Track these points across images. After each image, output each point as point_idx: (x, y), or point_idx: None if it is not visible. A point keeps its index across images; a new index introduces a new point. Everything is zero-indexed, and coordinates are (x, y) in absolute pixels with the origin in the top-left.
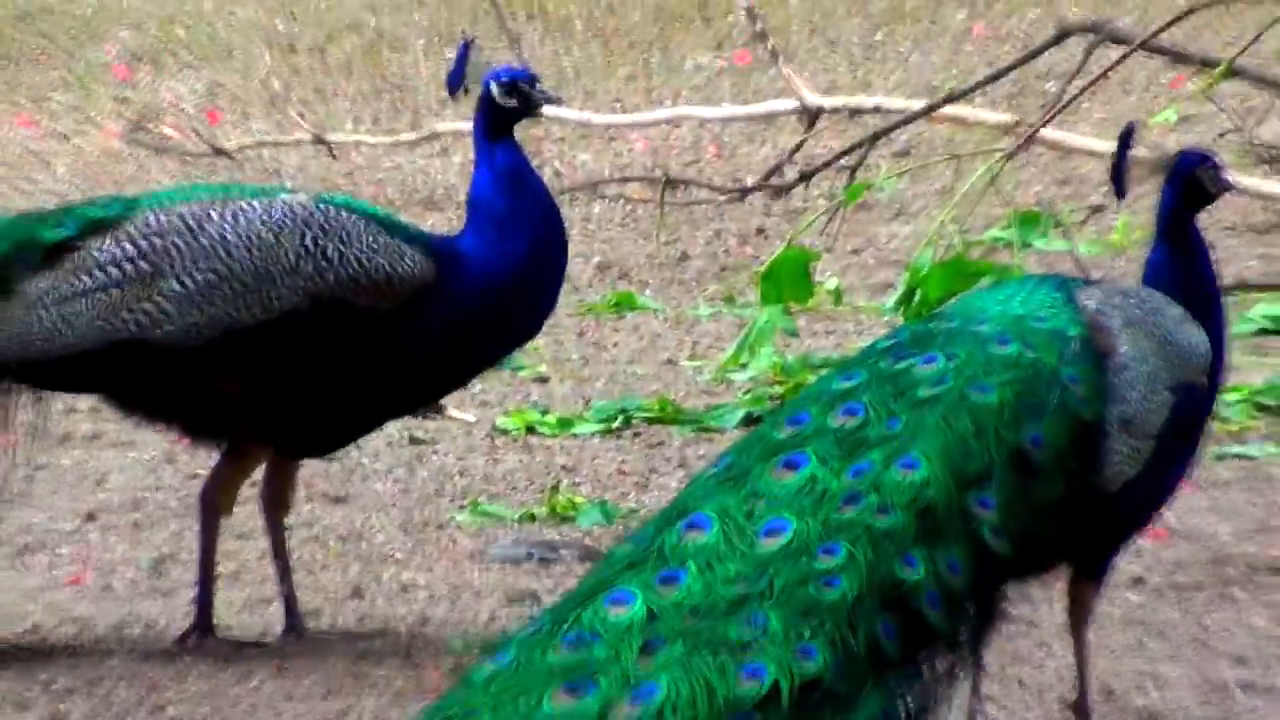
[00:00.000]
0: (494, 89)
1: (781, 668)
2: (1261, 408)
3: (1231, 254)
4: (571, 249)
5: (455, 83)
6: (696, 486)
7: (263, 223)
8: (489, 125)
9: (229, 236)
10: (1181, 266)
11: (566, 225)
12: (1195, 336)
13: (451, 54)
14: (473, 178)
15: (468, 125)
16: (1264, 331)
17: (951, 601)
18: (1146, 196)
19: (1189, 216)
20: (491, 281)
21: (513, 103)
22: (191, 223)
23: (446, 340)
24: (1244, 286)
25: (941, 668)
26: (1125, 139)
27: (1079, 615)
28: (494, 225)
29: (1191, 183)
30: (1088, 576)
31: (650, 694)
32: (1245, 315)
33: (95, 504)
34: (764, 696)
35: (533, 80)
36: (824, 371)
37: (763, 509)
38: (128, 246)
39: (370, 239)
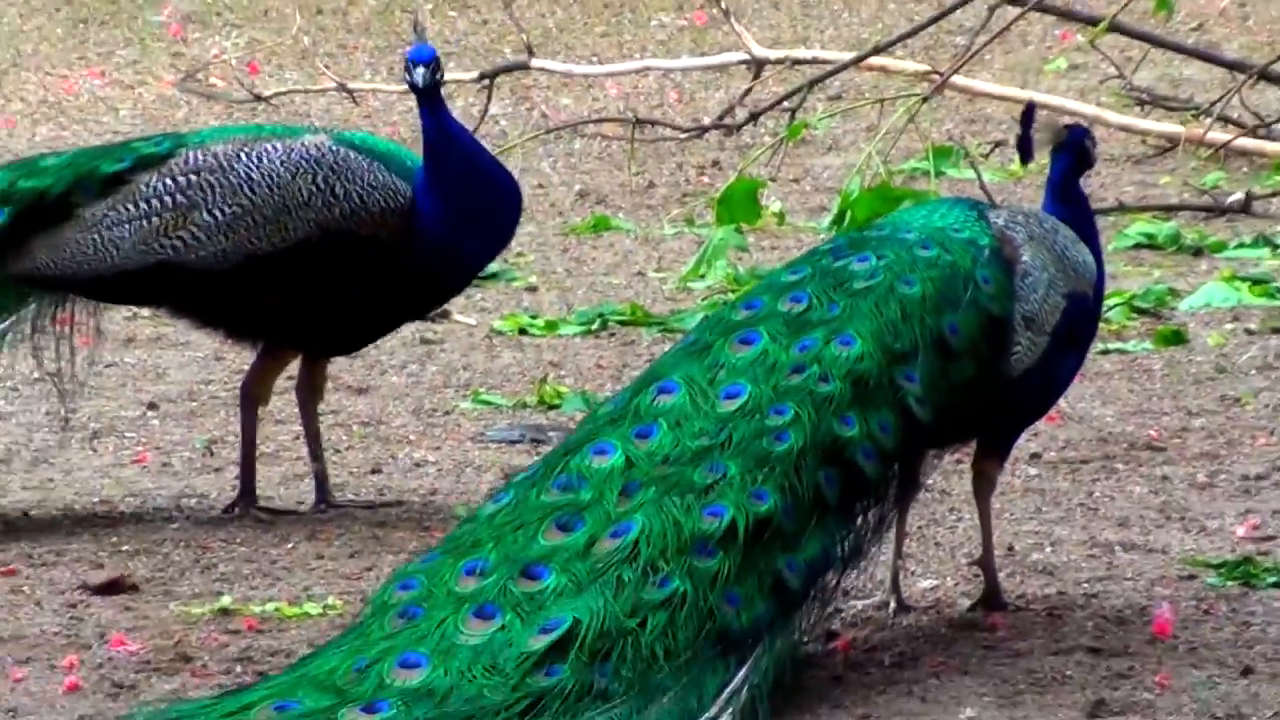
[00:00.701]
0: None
1: (738, 508)
2: (1138, 310)
3: (1114, 180)
4: (555, 179)
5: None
6: (667, 358)
7: (282, 163)
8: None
9: (253, 175)
10: (1071, 216)
11: (551, 160)
12: (1085, 255)
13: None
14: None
15: (466, 76)
16: (1139, 245)
17: (882, 457)
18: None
19: (1075, 178)
20: (436, 225)
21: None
22: (223, 161)
23: (429, 261)
24: (1122, 208)
25: (872, 519)
26: (1027, 116)
27: (983, 486)
28: (434, 175)
29: (1080, 151)
30: (992, 453)
31: (628, 530)
32: (1123, 232)
33: (156, 395)
34: (723, 532)
35: (420, 60)
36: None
37: (723, 376)
38: (169, 181)
39: (371, 178)
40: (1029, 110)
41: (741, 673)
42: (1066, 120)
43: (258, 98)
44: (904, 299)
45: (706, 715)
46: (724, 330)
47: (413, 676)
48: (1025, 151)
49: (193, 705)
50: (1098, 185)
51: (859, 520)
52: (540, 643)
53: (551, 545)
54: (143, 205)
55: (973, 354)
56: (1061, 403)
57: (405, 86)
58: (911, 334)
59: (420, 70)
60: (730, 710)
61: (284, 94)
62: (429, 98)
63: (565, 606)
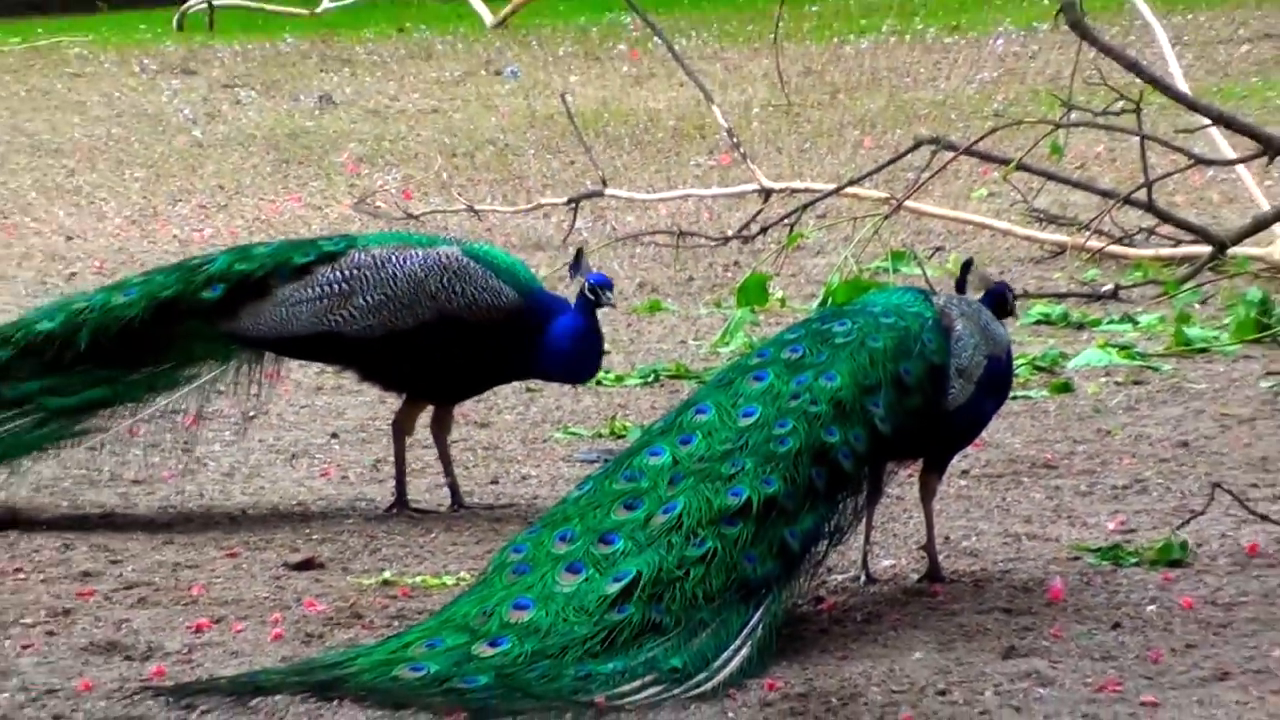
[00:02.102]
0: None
1: (753, 490)
2: (1037, 367)
3: (1020, 275)
4: (621, 274)
5: (574, 272)
6: (701, 390)
7: (419, 265)
8: (583, 299)
9: (398, 272)
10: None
11: (619, 260)
12: (1000, 331)
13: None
14: (573, 319)
15: (558, 200)
16: (1038, 321)
17: (857, 459)
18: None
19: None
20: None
21: (593, 297)
22: (378, 260)
23: (529, 356)
24: (1026, 295)
25: (850, 507)
26: (964, 269)
27: (927, 493)
28: (562, 341)
29: (1000, 298)
30: (934, 469)
31: (674, 507)
32: (1027, 312)
33: (337, 427)
34: (742, 507)
35: (607, 286)
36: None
37: (742, 402)
38: (339, 273)
39: (483, 282)
40: (967, 264)
41: (758, 614)
42: (994, 275)
43: (410, 216)
44: (871, 350)
45: (733, 645)
46: (742, 371)
47: (523, 616)
48: (960, 291)
49: (366, 647)
50: (1010, 278)
51: (840, 505)
52: (614, 588)
53: (620, 519)
54: (318, 289)
55: (920, 391)
56: (983, 434)
57: (515, 209)
58: (877, 374)
59: (609, 294)
60: (750, 643)
61: (429, 213)
62: (596, 306)
63: (631, 562)
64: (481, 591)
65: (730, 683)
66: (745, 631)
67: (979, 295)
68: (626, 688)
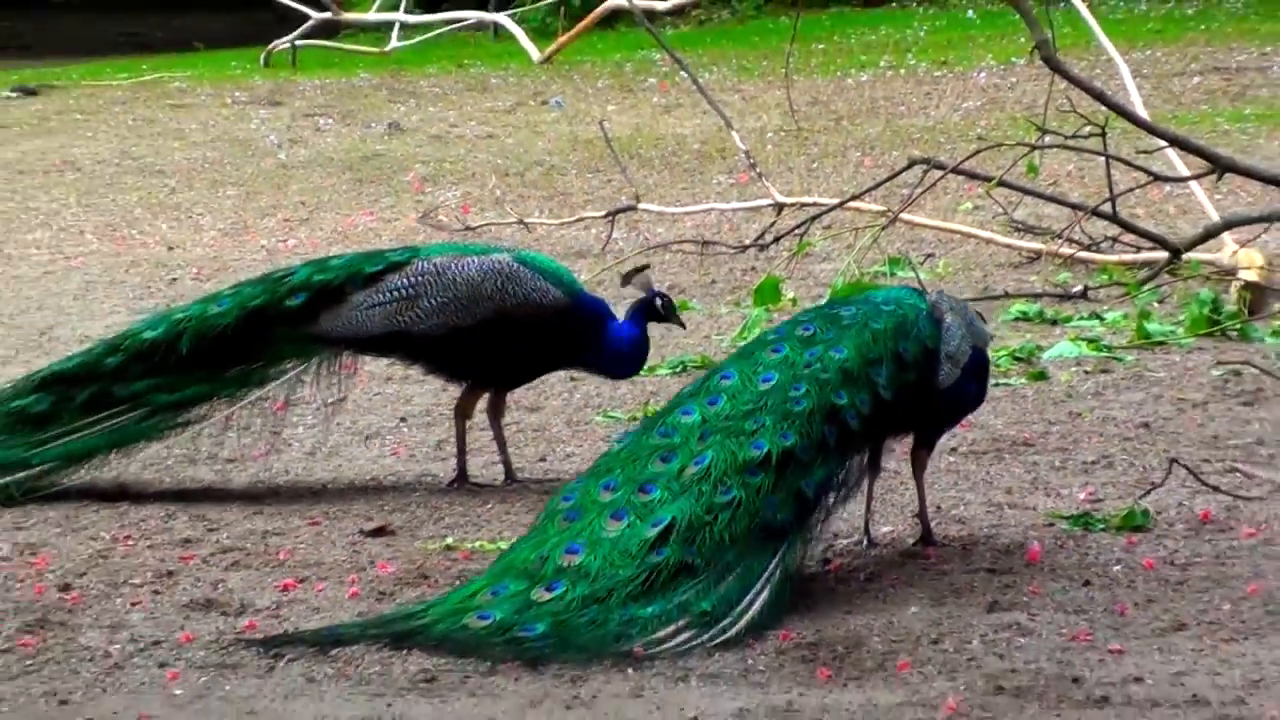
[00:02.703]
0: (657, 301)
1: (773, 444)
2: (1016, 358)
3: (1002, 278)
4: (653, 279)
5: (627, 282)
6: (726, 361)
7: (476, 271)
8: (644, 312)
9: (458, 278)
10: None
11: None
12: (982, 329)
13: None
14: (627, 328)
15: (597, 214)
16: (1018, 318)
17: (862, 420)
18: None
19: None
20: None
21: (664, 313)
22: (440, 268)
23: (577, 349)
24: (1007, 295)
25: (856, 466)
26: (634, 272)
27: (918, 466)
28: (624, 346)
29: (650, 305)
30: (924, 444)
31: (704, 460)
32: (1007, 310)
33: (405, 412)
34: (763, 459)
35: (668, 301)
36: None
37: (761, 369)
38: (405, 280)
39: (532, 284)
40: (639, 270)
41: (776, 558)
42: (654, 283)
43: (468, 228)
44: (874, 330)
45: (754, 589)
46: (761, 345)
47: (574, 560)
48: (624, 286)
49: (438, 598)
50: (993, 281)
51: (848, 462)
52: (653, 532)
53: (657, 470)
54: (388, 294)
55: (915, 367)
56: (970, 417)
57: (560, 222)
58: (879, 350)
59: (677, 314)
60: (768, 587)
61: (484, 225)
62: (661, 321)
63: (667, 509)
64: (537, 537)
65: (751, 626)
66: (765, 576)
67: (641, 294)
68: (662, 633)
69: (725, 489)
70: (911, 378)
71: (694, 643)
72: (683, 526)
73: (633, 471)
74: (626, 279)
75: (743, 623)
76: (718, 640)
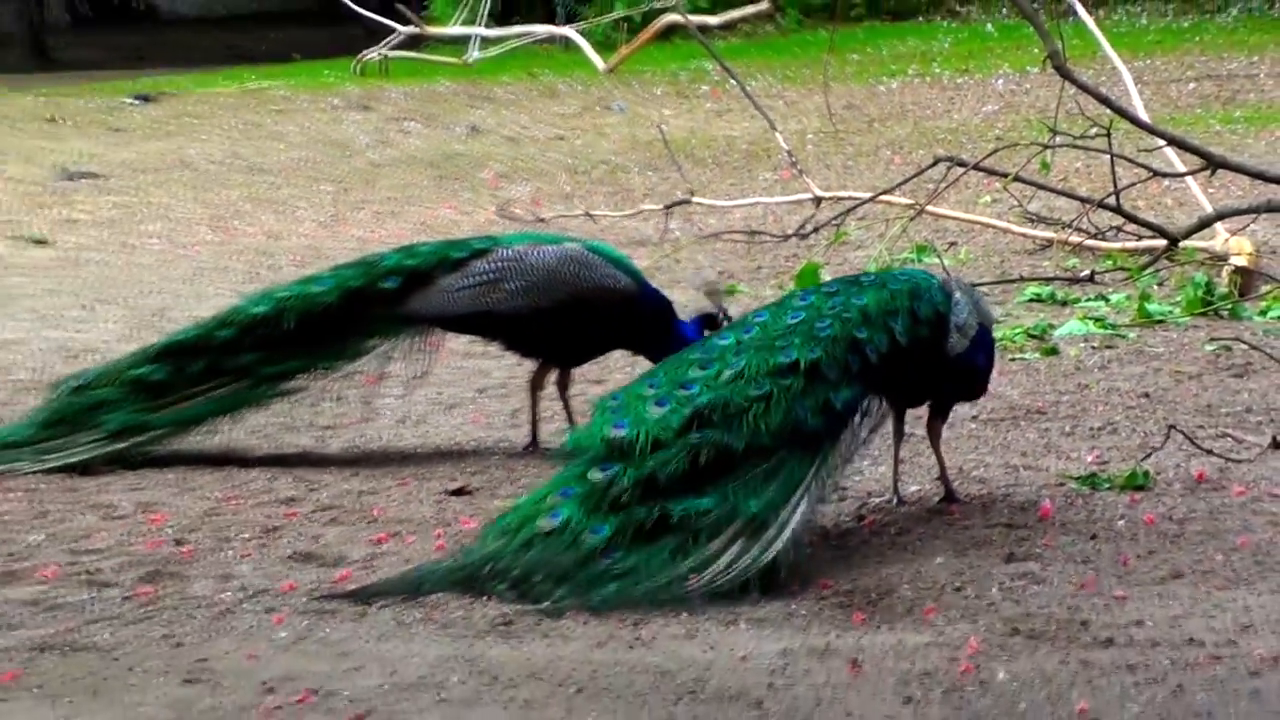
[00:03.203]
0: (720, 317)
1: (800, 354)
2: (1030, 335)
3: (1018, 264)
4: (705, 263)
5: (701, 290)
6: (760, 308)
7: (553, 257)
8: (707, 322)
9: (535, 264)
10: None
11: (704, 254)
12: (987, 309)
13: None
14: (691, 330)
15: (656, 207)
16: (1031, 300)
17: (880, 357)
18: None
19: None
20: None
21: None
22: (519, 254)
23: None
24: (1022, 279)
25: (876, 407)
26: (704, 284)
27: (934, 434)
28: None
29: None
30: (938, 414)
31: (738, 364)
32: (1022, 292)
33: (484, 384)
34: (792, 364)
35: (727, 316)
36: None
37: (789, 311)
38: (488, 265)
39: (603, 270)
40: (708, 285)
41: (813, 469)
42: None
43: (539, 219)
44: (892, 289)
45: (794, 498)
46: (790, 298)
47: (620, 433)
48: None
49: (507, 514)
50: (1009, 266)
51: (868, 401)
52: (690, 411)
53: (696, 374)
54: (473, 278)
55: (928, 324)
56: (990, 388)
57: (622, 214)
58: (895, 304)
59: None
60: (808, 497)
61: (555, 217)
62: (707, 329)
63: (704, 396)
64: (586, 429)
65: (794, 540)
66: (804, 485)
67: (710, 307)
68: (717, 543)
69: (759, 385)
70: (924, 333)
71: (745, 558)
72: (719, 408)
73: (674, 375)
74: (703, 289)
75: (786, 534)
76: (765, 555)
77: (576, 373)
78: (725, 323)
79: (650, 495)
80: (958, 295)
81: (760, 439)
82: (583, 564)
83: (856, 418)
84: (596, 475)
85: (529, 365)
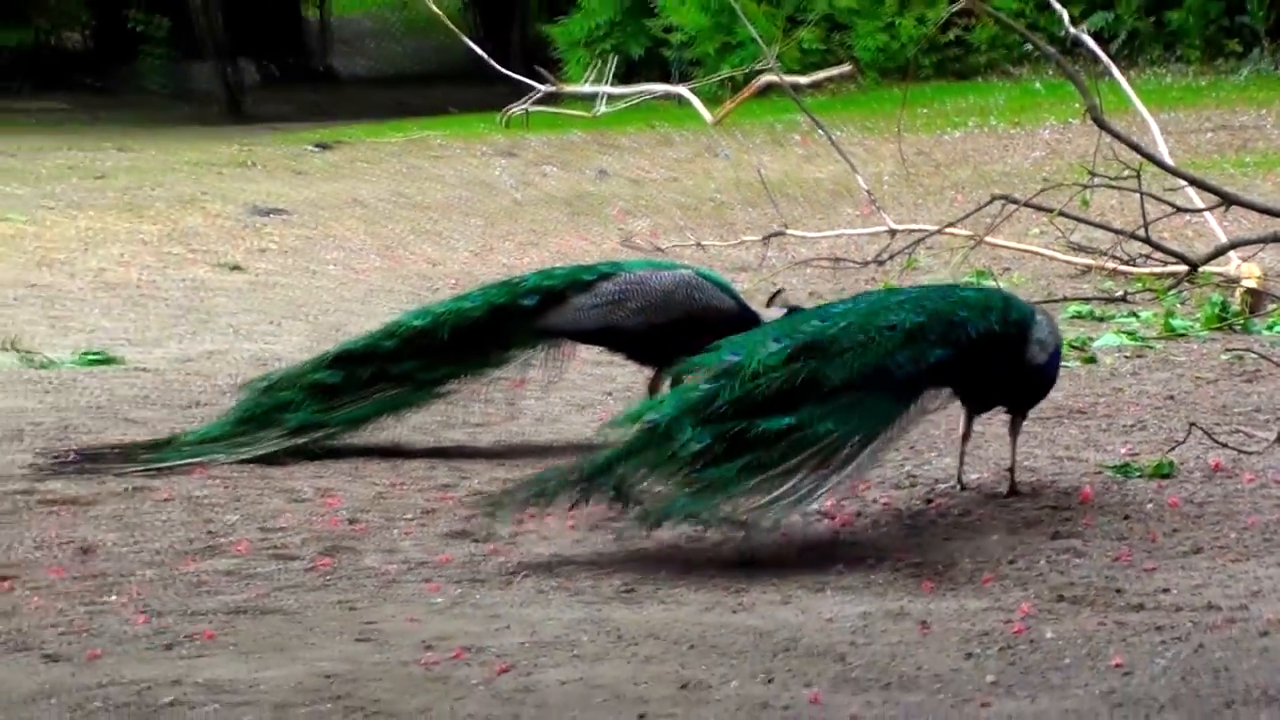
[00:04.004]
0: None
1: (903, 319)
2: (1072, 347)
3: (1061, 286)
4: (798, 287)
5: (771, 303)
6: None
7: (670, 280)
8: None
9: (654, 286)
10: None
11: (796, 278)
12: (1059, 333)
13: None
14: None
15: (755, 238)
16: (1074, 316)
17: (974, 340)
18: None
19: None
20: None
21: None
22: (640, 278)
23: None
24: (1065, 299)
25: (936, 403)
26: (775, 295)
27: (1014, 430)
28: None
29: (794, 310)
30: (1019, 413)
31: (847, 321)
32: (1065, 310)
33: (610, 388)
34: (895, 325)
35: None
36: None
37: (896, 295)
38: (613, 286)
39: (711, 293)
40: (777, 292)
41: (884, 422)
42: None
43: (657, 249)
44: (989, 292)
45: (874, 434)
46: (888, 294)
47: (734, 358)
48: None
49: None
50: (1055, 289)
51: (951, 376)
52: (790, 346)
53: (810, 327)
54: (600, 298)
55: (1016, 328)
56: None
57: (727, 244)
58: (992, 303)
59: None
60: (880, 438)
61: (670, 247)
62: None
63: (813, 335)
64: (705, 355)
65: (858, 472)
66: (876, 432)
67: (783, 311)
68: (794, 460)
69: (863, 333)
70: (1012, 333)
71: (815, 483)
72: (827, 343)
73: (793, 325)
74: (771, 300)
75: (849, 469)
76: (822, 488)
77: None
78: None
79: (745, 413)
80: (1039, 316)
81: (852, 376)
82: (674, 470)
83: (929, 392)
84: (701, 390)
85: (647, 372)
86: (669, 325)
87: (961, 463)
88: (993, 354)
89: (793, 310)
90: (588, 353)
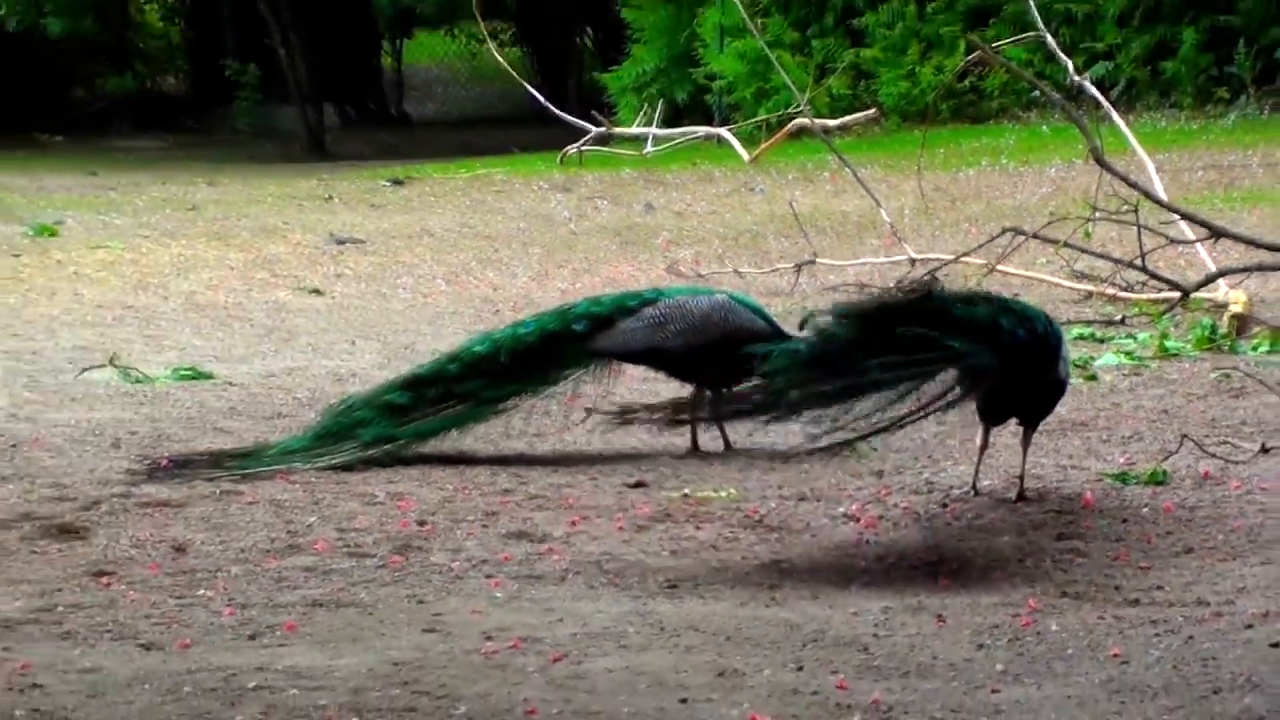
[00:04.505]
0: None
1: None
2: (1075, 366)
3: (1066, 309)
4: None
5: (803, 326)
6: None
7: (707, 305)
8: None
9: (693, 310)
10: None
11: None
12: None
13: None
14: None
15: (788, 266)
16: (1076, 338)
17: (1014, 350)
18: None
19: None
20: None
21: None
22: (680, 303)
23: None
24: (1069, 322)
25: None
26: (807, 319)
27: (1026, 441)
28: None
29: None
30: (1031, 426)
31: None
32: (1068, 332)
33: (654, 402)
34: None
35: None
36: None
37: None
38: (656, 311)
39: (745, 316)
40: (808, 317)
41: (931, 395)
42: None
43: (699, 275)
44: (1036, 309)
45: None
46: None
47: None
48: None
49: None
50: (1059, 313)
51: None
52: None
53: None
54: (645, 322)
55: (1055, 340)
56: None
57: (762, 271)
58: (1036, 314)
59: None
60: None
61: (711, 274)
62: None
63: None
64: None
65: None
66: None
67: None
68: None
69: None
70: (1051, 344)
71: (872, 417)
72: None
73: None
74: (803, 324)
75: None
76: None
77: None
78: None
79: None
80: (1065, 337)
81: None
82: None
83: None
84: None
85: (687, 388)
86: (706, 345)
87: (978, 472)
88: (1027, 367)
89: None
90: (634, 371)
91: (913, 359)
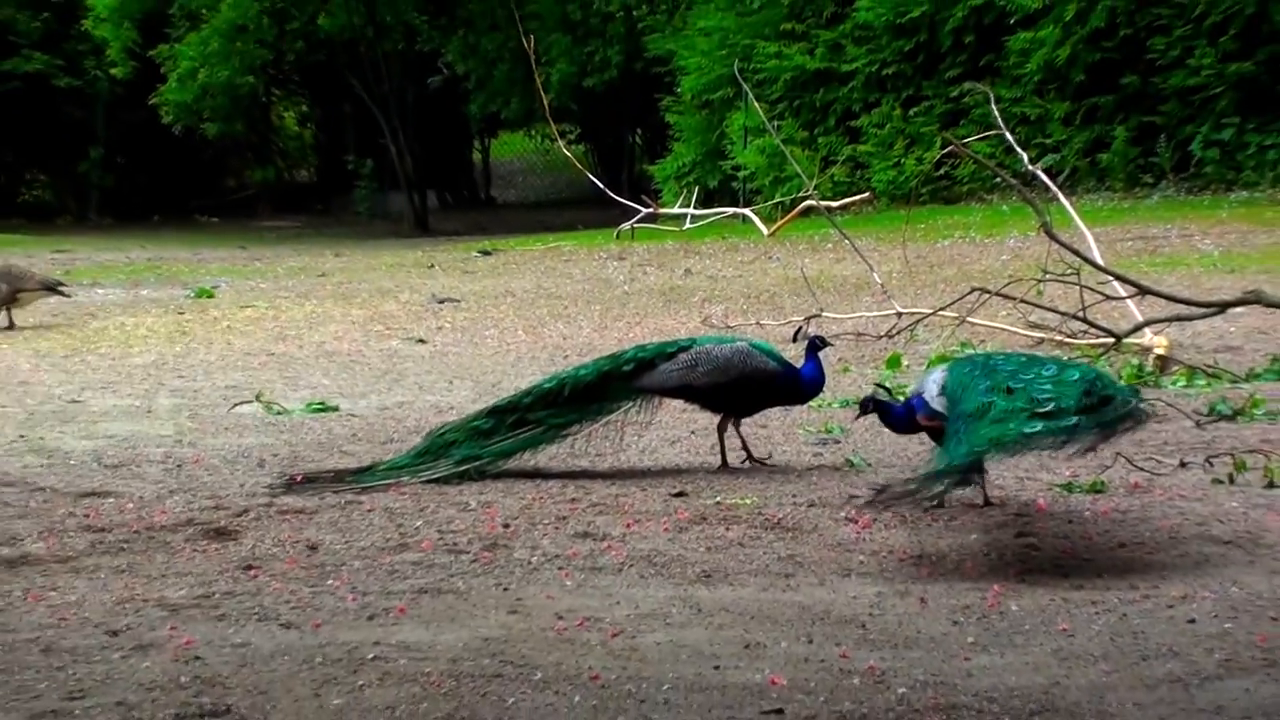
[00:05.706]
0: (817, 341)
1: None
2: None
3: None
4: (830, 354)
5: (796, 337)
6: (977, 360)
7: (730, 351)
8: (813, 350)
9: (718, 355)
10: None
11: (832, 351)
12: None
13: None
14: (808, 368)
15: (800, 319)
16: None
17: (1076, 405)
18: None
19: None
20: (802, 389)
21: (820, 344)
22: (709, 350)
23: (783, 395)
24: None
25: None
26: (798, 331)
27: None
28: (809, 380)
29: (817, 340)
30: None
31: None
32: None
33: (694, 427)
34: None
35: (821, 338)
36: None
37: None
38: (689, 357)
39: (760, 360)
40: (799, 330)
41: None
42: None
43: (728, 327)
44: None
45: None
46: (988, 357)
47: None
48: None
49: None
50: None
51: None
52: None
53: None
54: (679, 364)
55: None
56: None
57: (778, 323)
58: (1069, 384)
59: (824, 340)
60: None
61: (738, 325)
62: (819, 350)
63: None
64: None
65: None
66: (1026, 431)
67: (807, 342)
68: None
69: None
70: (1111, 392)
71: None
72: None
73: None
74: (796, 334)
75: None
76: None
77: (744, 422)
78: (819, 341)
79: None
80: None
81: (1039, 397)
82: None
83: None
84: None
85: (716, 417)
86: (729, 383)
87: (984, 489)
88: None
89: (814, 340)
90: (674, 404)
91: None
